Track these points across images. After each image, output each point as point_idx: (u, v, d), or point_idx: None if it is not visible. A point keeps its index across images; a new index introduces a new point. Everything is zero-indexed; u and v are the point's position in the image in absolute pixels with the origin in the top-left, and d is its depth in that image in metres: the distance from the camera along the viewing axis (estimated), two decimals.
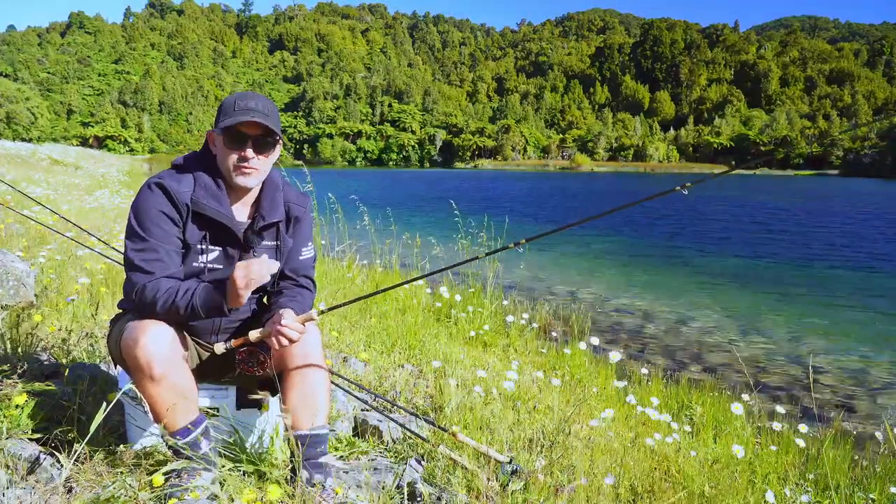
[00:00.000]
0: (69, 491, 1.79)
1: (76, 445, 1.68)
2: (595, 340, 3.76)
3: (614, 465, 2.41)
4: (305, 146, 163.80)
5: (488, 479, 2.09)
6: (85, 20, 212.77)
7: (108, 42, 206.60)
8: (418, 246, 6.24)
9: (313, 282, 2.15)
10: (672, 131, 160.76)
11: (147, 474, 1.86)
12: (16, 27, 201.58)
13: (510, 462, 2.19)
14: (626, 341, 6.66)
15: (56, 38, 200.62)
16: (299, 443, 1.88)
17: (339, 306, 2.00)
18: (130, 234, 1.84)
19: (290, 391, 1.94)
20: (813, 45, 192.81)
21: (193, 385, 1.84)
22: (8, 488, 1.68)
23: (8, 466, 1.81)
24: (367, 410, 2.78)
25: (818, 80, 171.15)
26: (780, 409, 3.38)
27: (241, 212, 1.98)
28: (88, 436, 1.67)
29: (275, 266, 1.81)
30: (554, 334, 5.20)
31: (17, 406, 2.06)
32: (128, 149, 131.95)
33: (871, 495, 2.70)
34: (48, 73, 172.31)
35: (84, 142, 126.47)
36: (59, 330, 3.03)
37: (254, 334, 1.89)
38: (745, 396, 3.42)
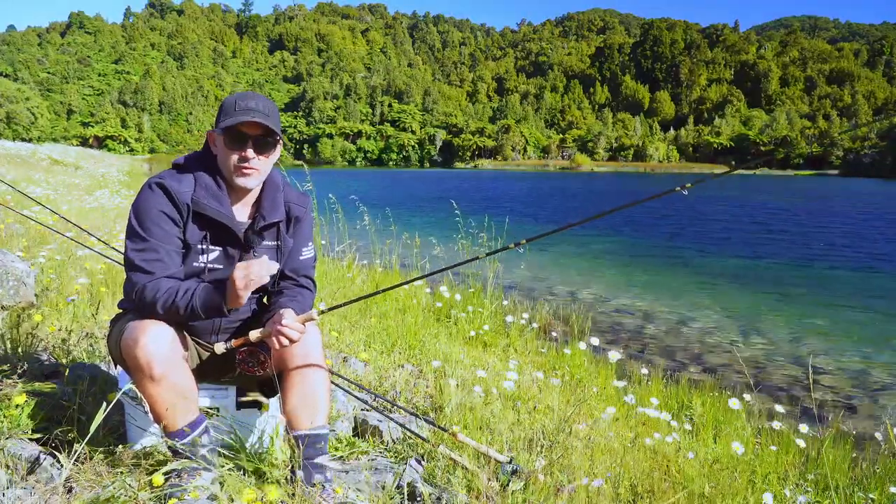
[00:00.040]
0: (69, 491, 1.79)
1: (76, 445, 1.68)
2: (595, 340, 3.76)
3: (614, 465, 2.41)
4: (305, 146, 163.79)
5: (488, 479, 2.09)
6: (85, 20, 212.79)
7: (108, 42, 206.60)
8: (418, 246, 6.24)
9: (313, 282, 2.15)
10: (672, 131, 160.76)
11: (147, 474, 1.86)
12: (16, 27, 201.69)
13: (510, 462, 2.19)
14: (626, 341, 6.66)
15: (56, 38, 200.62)
16: (299, 443, 1.88)
17: (340, 306, 2.00)
18: (131, 233, 1.84)
19: (289, 391, 1.94)
20: (813, 45, 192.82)
21: (193, 385, 1.84)
22: (8, 488, 1.68)
23: (8, 466, 1.81)
24: (367, 410, 2.78)
25: (818, 80, 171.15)
26: (780, 408, 3.38)
27: (241, 212, 1.98)
28: (88, 436, 1.67)
29: (274, 267, 1.81)
30: (554, 334, 5.20)
31: (17, 406, 2.06)
32: (128, 149, 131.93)
33: (870, 495, 2.70)
34: (48, 73, 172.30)
35: (84, 142, 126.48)
36: (59, 330, 3.03)
37: (254, 334, 1.89)
38: (747, 397, 3.43)
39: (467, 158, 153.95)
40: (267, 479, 1.94)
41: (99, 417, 1.60)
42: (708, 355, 6.28)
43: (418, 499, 2.03)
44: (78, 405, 2.10)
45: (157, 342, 1.74)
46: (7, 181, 6.81)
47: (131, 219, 1.85)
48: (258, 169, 1.91)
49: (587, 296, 9.07)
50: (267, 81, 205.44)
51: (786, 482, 2.84)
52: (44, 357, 2.82)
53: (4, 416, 2.04)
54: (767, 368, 5.89)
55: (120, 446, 2.00)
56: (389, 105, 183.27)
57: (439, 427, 2.41)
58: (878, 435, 3.28)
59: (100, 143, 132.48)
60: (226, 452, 1.99)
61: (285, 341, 1.81)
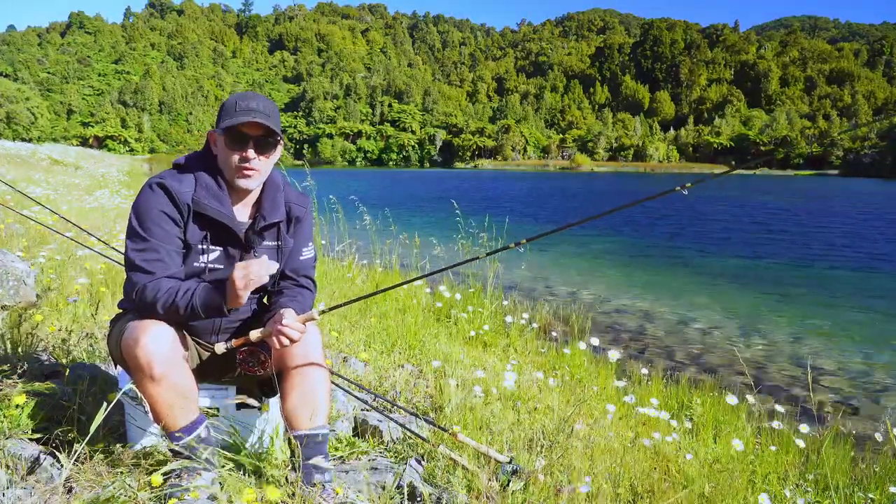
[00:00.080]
0: (69, 491, 1.79)
1: (76, 445, 1.67)
2: (595, 340, 3.76)
3: (614, 465, 2.41)
4: (305, 146, 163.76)
5: (488, 480, 2.09)
6: (85, 20, 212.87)
7: (108, 42, 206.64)
8: (418, 246, 6.24)
9: (314, 282, 2.15)
10: (672, 131, 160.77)
11: (147, 474, 1.86)
12: (16, 27, 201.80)
13: (510, 462, 2.19)
14: (626, 341, 6.66)
15: (56, 38, 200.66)
16: (299, 442, 1.88)
17: (340, 306, 2.00)
18: (131, 233, 1.84)
19: (290, 391, 1.94)
20: (813, 45, 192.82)
21: (194, 385, 1.84)
22: (8, 488, 1.68)
23: (8, 466, 1.81)
24: (367, 410, 2.78)
25: (818, 80, 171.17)
26: (780, 408, 3.38)
27: (242, 212, 1.98)
28: (88, 436, 1.67)
29: (274, 267, 1.81)
30: (554, 334, 5.20)
31: (17, 406, 2.06)
32: (128, 149, 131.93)
33: (870, 495, 2.70)
34: (48, 73, 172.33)
35: (84, 142, 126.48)
36: (60, 330, 3.03)
37: (254, 334, 1.89)
38: (749, 397, 3.42)
39: (467, 158, 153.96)
40: (267, 478, 1.94)
41: (99, 417, 1.60)
42: (708, 355, 6.28)
43: (418, 499, 2.03)
44: (78, 405, 2.10)
45: (158, 342, 1.74)
46: (7, 181, 6.80)
47: (132, 219, 1.85)
48: (259, 169, 1.91)
49: (587, 296, 9.07)
50: (267, 81, 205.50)
51: (786, 482, 2.84)
52: (44, 357, 2.82)
53: (4, 416, 2.04)
54: (767, 368, 5.89)
55: (120, 446, 2.00)
56: (389, 105, 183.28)
57: (439, 427, 2.41)
58: (878, 435, 3.28)
59: (100, 143, 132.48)
60: (225, 452, 1.99)
61: (286, 341, 1.82)
